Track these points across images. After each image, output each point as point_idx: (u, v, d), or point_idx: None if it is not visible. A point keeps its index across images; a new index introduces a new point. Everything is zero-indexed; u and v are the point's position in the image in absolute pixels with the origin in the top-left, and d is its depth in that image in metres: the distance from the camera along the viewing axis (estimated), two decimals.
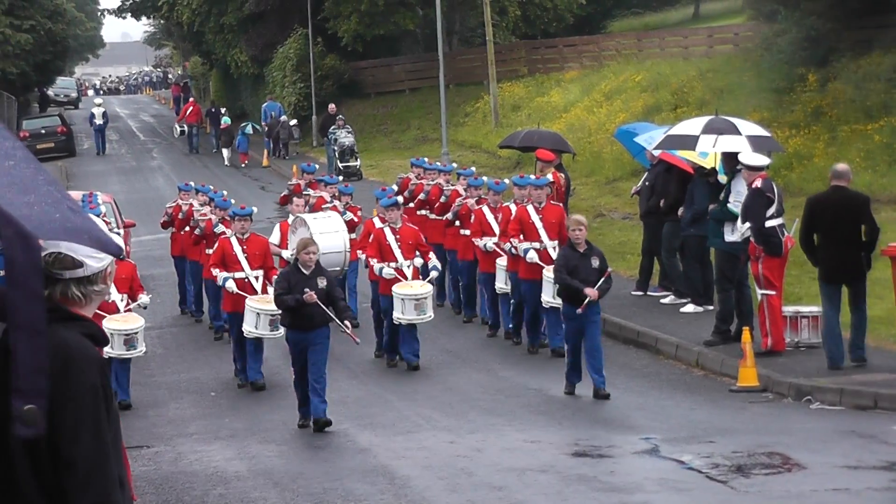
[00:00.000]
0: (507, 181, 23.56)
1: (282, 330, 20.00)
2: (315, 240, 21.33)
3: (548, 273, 20.14)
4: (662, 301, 24.04)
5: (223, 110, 65.21)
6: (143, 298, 20.23)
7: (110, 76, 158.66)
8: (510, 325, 22.60)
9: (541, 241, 21.11)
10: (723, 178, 21.43)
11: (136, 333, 19.57)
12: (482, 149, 49.60)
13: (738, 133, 20.98)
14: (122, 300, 19.87)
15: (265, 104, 63.78)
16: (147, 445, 17.64)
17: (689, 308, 22.96)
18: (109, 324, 19.10)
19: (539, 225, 21.16)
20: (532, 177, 22.75)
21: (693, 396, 18.34)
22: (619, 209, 34.65)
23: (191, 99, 78.92)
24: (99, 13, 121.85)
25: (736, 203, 20.30)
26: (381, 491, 14.24)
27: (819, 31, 37.10)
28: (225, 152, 60.27)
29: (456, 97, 56.28)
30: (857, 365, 18.65)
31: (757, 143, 20.84)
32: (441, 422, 17.68)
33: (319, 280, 17.52)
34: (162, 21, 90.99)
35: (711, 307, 22.09)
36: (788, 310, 20.03)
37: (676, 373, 20.09)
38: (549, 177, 23.34)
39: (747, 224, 19.55)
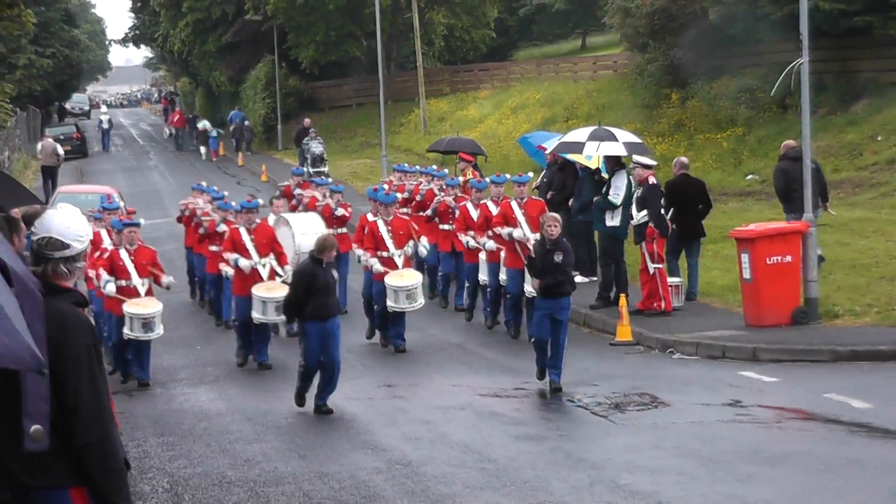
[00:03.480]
0: (487, 180, 21.13)
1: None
2: (297, 239, 19.97)
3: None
4: None
5: (199, 116, 68.48)
6: (166, 279, 18.19)
7: (117, 94, 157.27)
8: (488, 310, 20.46)
9: (524, 234, 19.03)
10: (605, 176, 21.51)
11: (153, 317, 17.78)
12: (414, 152, 49.50)
13: (616, 140, 21.02)
14: (143, 285, 18.03)
15: (231, 112, 65.74)
16: (146, 388, 17.57)
17: (578, 279, 22.95)
18: (130, 308, 17.71)
19: (522, 219, 19.09)
20: (508, 176, 20.93)
21: (581, 349, 18.37)
22: None
23: (177, 109, 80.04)
24: (107, 42, 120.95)
25: (615, 196, 20.41)
26: (334, 425, 14.21)
27: (680, 60, 37.36)
28: (202, 149, 62.74)
29: (393, 111, 56.14)
30: (690, 300, 20.50)
31: (631, 148, 20.92)
32: (381, 370, 17.65)
33: (334, 271, 15.33)
34: (158, 49, 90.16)
35: (596, 278, 22.15)
36: None
37: (569, 331, 20.11)
38: (467, 173, 23.26)
39: (644, 212, 19.65)
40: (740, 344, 17.31)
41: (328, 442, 13.33)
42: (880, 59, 32.74)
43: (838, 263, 21.27)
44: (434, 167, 26.27)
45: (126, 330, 17.79)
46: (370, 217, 19.78)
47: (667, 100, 37.87)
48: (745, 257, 18.47)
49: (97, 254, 18.50)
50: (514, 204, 19.29)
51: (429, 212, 22.54)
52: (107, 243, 19.30)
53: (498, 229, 19.16)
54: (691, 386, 15.48)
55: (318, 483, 11.48)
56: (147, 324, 17.78)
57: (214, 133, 62.55)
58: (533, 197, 20.03)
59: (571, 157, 22.75)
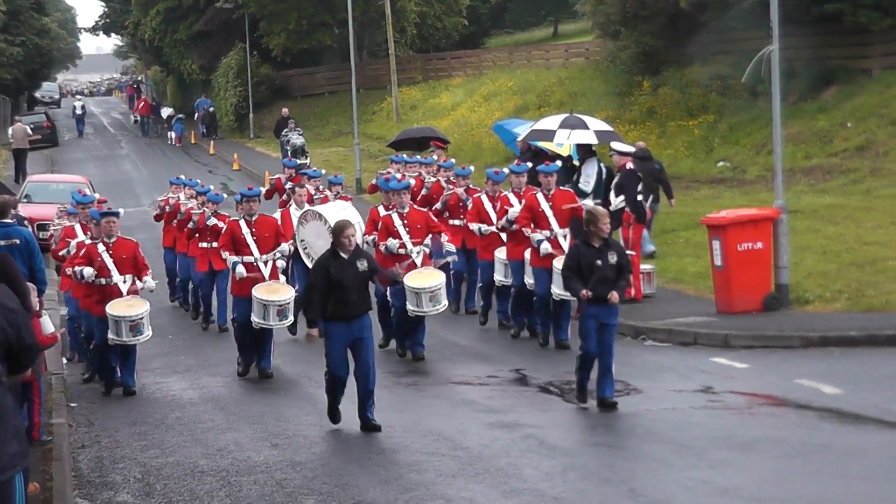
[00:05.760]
0: (506, 170, 19.16)
1: (291, 318, 17.01)
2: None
3: (557, 264, 16.17)
4: None
5: (164, 104, 71.87)
6: (150, 283, 16.37)
7: (88, 82, 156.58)
8: (500, 313, 18.90)
9: (551, 230, 17.10)
10: (577, 164, 21.53)
11: (141, 319, 15.99)
12: (386, 140, 49.45)
13: (587, 128, 21.03)
14: (124, 282, 16.14)
15: (198, 100, 67.19)
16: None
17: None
18: (114, 311, 15.89)
19: (549, 213, 17.07)
20: (527, 165, 19.07)
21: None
22: None
23: (143, 96, 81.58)
24: (77, 30, 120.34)
25: (585, 183, 20.46)
26: (307, 413, 14.20)
27: (652, 47, 37.42)
28: (170, 135, 64.49)
29: (365, 99, 56.07)
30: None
31: (602, 136, 20.94)
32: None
33: (360, 263, 13.04)
34: (129, 37, 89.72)
35: None
36: None
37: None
38: (442, 162, 23.13)
39: (621, 197, 19.68)
40: (712, 330, 17.37)
41: (301, 431, 13.32)
42: (850, 47, 32.87)
43: (809, 250, 21.35)
44: (434, 157, 24.08)
45: (112, 335, 16.01)
46: (382, 211, 17.97)
47: (638, 87, 37.92)
48: (716, 244, 18.54)
49: (66, 251, 17.39)
50: (540, 197, 17.25)
51: (438, 205, 20.24)
52: (81, 238, 17.55)
53: (527, 231, 17.20)
54: (663, 372, 15.53)
55: (291, 472, 11.48)
56: (135, 326, 16.01)
57: (175, 119, 63.86)
58: (561, 188, 17.71)
59: (542, 144, 22.75)
